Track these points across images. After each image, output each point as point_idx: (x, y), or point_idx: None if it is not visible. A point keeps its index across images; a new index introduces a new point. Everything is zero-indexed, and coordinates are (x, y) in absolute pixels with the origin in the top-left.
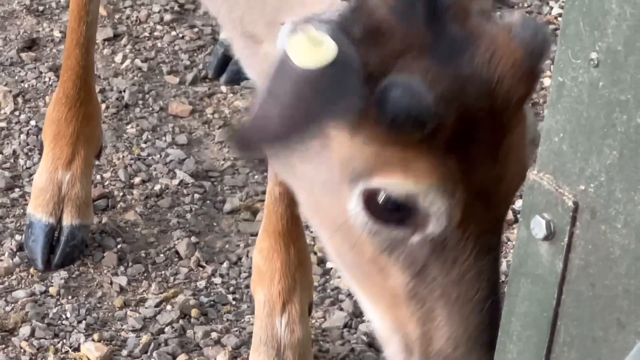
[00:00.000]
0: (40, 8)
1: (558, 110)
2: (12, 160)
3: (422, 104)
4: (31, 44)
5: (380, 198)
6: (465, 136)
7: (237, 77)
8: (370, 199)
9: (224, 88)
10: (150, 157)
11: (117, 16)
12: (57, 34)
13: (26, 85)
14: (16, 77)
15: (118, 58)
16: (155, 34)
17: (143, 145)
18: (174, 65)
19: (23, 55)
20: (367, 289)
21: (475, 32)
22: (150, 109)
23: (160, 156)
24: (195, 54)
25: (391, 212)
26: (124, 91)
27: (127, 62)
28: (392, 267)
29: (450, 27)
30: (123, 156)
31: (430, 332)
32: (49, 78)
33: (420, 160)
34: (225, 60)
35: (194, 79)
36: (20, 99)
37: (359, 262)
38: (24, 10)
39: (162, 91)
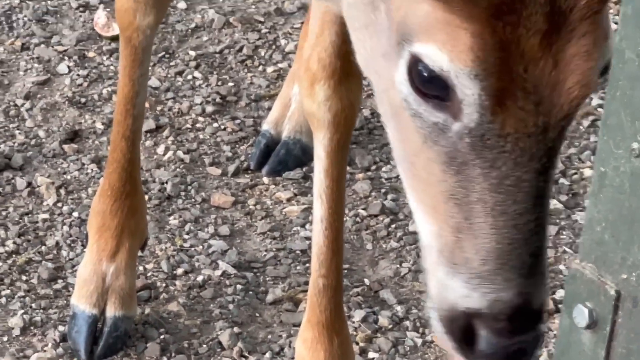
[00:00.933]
0: (83, 100)
1: (600, 200)
2: (55, 252)
3: None
4: (73, 136)
5: (419, 65)
6: (517, 20)
7: (279, 169)
8: (412, 67)
9: (265, 180)
10: (192, 249)
11: (159, 108)
12: (99, 125)
13: (69, 177)
14: (59, 169)
15: (160, 150)
16: (198, 125)
17: (185, 237)
18: (216, 157)
19: (65, 147)
20: (415, 187)
21: None
22: (193, 200)
23: (203, 247)
24: (237, 146)
25: (429, 85)
26: (167, 183)
27: (170, 153)
28: (434, 162)
29: None
30: (166, 247)
31: (463, 240)
32: (92, 170)
33: (461, 31)
34: (267, 152)
35: (236, 171)
36: (62, 191)
37: (409, 153)
38: (66, 102)
39: (204, 182)
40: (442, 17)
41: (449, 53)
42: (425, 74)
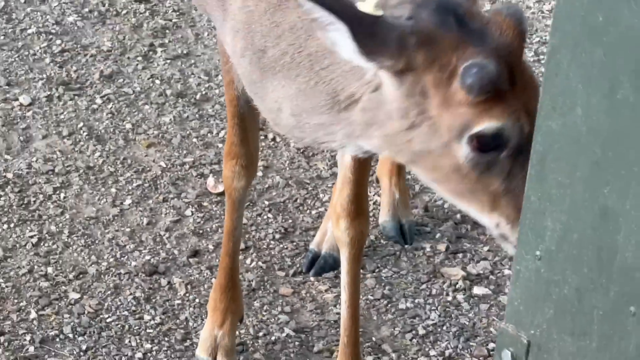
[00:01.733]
0: (200, 232)
1: (517, 286)
2: (185, 323)
3: (491, 70)
4: (195, 254)
5: (483, 137)
6: (513, 81)
7: (320, 272)
8: (475, 142)
9: (312, 278)
10: (267, 319)
11: (246, 235)
12: (211, 247)
13: (193, 278)
14: (187, 273)
15: (247, 261)
16: (270, 246)
17: (264, 314)
18: (282, 265)
19: (191, 260)
20: (476, 202)
21: (485, 22)
22: (268, 291)
23: (274, 320)
24: (295, 258)
25: (490, 144)
26: (252, 281)
27: (253, 263)
28: (490, 179)
29: (471, 24)
30: (251, 320)
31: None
32: (207, 274)
33: (498, 106)
34: (313, 262)
35: (294, 273)
36: (189, 287)
37: (469, 187)
38: (190, 233)
39: (275, 280)
40: (483, 107)
41: (498, 118)
42: (488, 139)
